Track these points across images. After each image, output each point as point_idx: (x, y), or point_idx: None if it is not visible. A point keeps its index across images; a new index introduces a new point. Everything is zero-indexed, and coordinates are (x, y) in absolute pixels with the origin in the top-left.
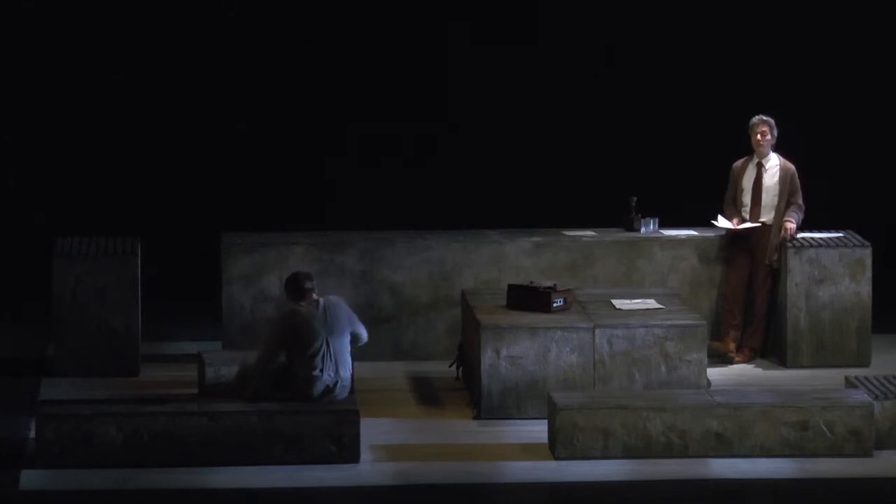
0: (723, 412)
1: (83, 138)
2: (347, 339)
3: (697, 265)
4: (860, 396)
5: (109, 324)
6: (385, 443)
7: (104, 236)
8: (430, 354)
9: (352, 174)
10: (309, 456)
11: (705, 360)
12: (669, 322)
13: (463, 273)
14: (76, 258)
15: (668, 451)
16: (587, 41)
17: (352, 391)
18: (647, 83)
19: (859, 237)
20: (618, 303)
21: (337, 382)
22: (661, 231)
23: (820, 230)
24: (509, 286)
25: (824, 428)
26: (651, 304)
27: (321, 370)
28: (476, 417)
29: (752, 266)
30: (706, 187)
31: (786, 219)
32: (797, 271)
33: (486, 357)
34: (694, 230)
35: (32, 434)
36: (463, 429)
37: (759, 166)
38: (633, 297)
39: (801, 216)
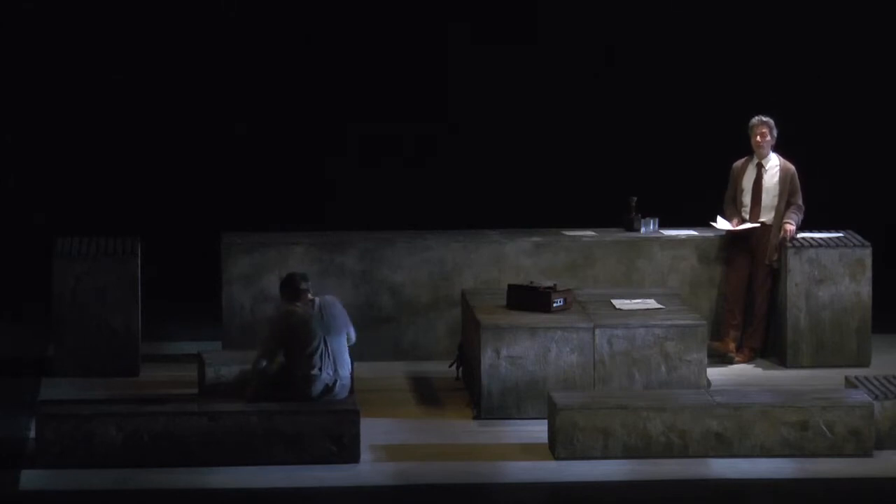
0: (723, 412)
1: (83, 138)
2: (345, 338)
3: (697, 265)
4: (860, 396)
5: (109, 324)
6: (385, 443)
7: (104, 236)
8: (430, 354)
9: (352, 174)
10: (309, 456)
11: (705, 360)
12: (669, 322)
13: (463, 273)
14: (76, 258)
15: (668, 451)
16: (587, 41)
17: (352, 391)
18: (647, 83)
19: (859, 237)
20: (618, 303)
21: (336, 381)
22: (661, 231)
23: (820, 230)
24: (509, 286)
25: (824, 428)
26: (651, 304)
27: (320, 369)
28: (476, 417)
29: (752, 266)
30: (706, 187)
31: (785, 220)
32: (797, 271)
33: (486, 357)
34: (694, 230)
35: (32, 434)
36: (463, 429)
37: (759, 167)
38: (633, 297)
39: (801, 217)
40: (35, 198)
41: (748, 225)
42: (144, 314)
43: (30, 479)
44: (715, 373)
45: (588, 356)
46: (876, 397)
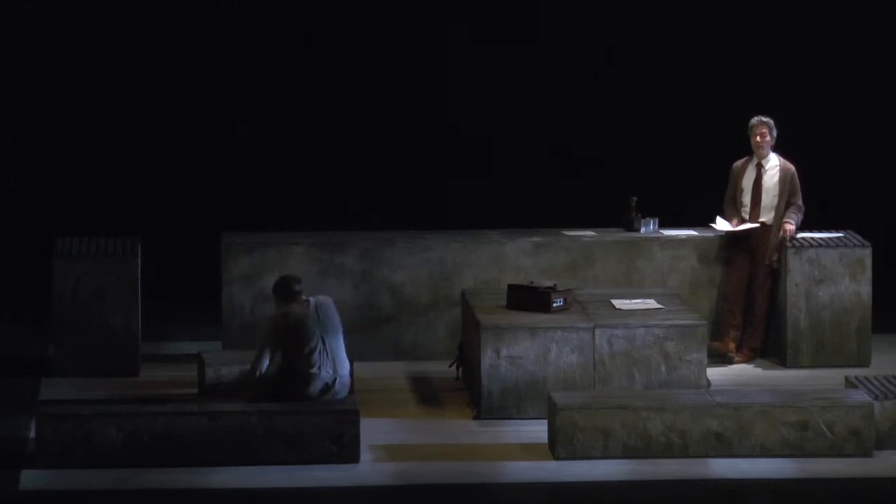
0: (723, 412)
1: (83, 138)
2: (341, 337)
3: (697, 265)
4: (860, 396)
5: (109, 324)
6: (385, 443)
7: (104, 236)
8: (430, 354)
9: (352, 174)
10: (309, 456)
11: (705, 360)
12: (669, 322)
13: (463, 273)
14: (76, 258)
15: (668, 451)
16: (587, 41)
17: (351, 391)
18: (647, 83)
19: (859, 237)
20: (618, 303)
21: (336, 379)
22: (661, 231)
23: (820, 230)
24: (509, 286)
25: (824, 428)
26: (651, 304)
27: (319, 367)
28: (476, 417)
29: (752, 266)
30: (706, 187)
31: (785, 220)
32: (797, 271)
33: (486, 357)
34: (694, 230)
35: (32, 434)
36: (463, 429)
37: (759, 167)
38: (633, 297)
39: (801, 217)
40: (35, 198)
41: (748, 225)
42: (144, 314)
43: (30, 479)
44: (715, 373)
45: (588, 356)
46: (876, 397)
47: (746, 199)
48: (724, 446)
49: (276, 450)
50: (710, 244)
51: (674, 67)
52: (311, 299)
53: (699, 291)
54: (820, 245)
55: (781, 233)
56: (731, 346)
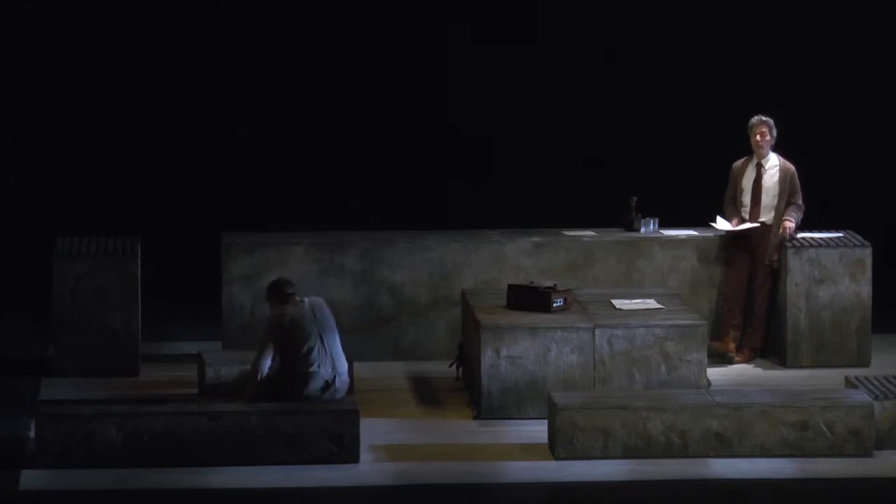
0: (723, 412)
1: (83, 138)
2: (338, 336)
3: (697, 265)
4: (860, 396)
5: (109, 324)
6: (385, 443)
7: (104, 236)
8: (430, 354)
9: (352, 174)
10: (309, 456)
11: (705, 360)
12: (669, 322)
13: (463, 273)
14: (76, 258)
15: (668, 451)
16: (587, 41)
17: (351, 389)
18: (647, 83)
19: (859, 237)
20: (618, 303)
21: (335, 377)
22: (661, 231)
23: (820, 230)
24: (509, 286)
25: (824, 428)
26: (651, 304)
27: (318, 365)
28: (476, 417)
29: (752, 266)
30: (706, 187)
31: (785, 217)
32: (797, 271)
33: (486, 357)
34: (694, 230)
35: (32, 434)
36: (463, 429)
37: (759, 166)
38: (633, 297)
39: (801, 216)
40: (35, 198)
41: (748, 225)
42: (144, 314)
43: (30, 479)
44: (715, 373)
45: (588, 356)
46: (876, 397)
47: (746, 198)
48: (724, 446)
49: (276, 450)
50: (710, 244)
51: (674, 67)
52: (306, 300)
53: (699, 291)
54: (820, 245)
55: (781, 230)
56: (731, 346)
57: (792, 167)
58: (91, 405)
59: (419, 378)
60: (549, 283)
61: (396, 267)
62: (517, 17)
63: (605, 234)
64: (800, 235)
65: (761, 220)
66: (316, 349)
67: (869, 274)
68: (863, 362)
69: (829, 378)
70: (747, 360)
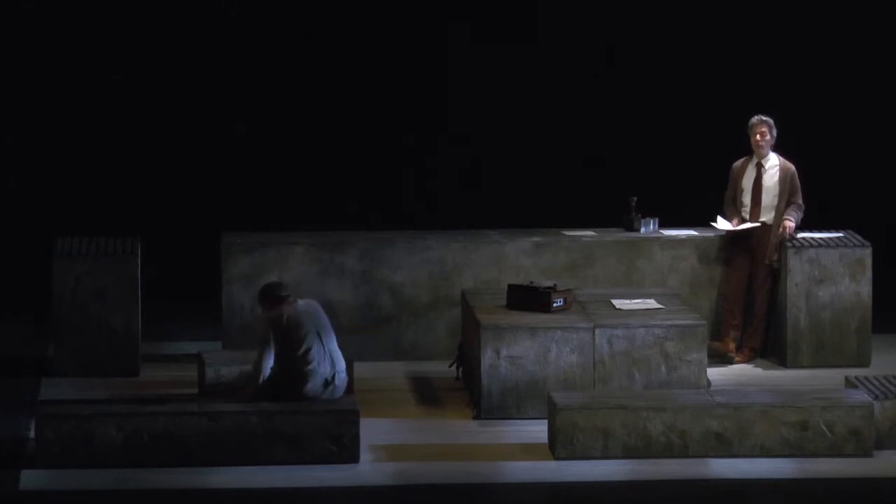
0: (723, 412)
1: (83, 138)
2: (334, 336)
3: (697, 265)
4: (860, 396)
5: (109, 324)
6: (385, 443)
7: (104, 236)
8: (430, 354)
9: (352, 174)
10: (309, 456)
11: (705, 360)
12: (669, 322)
13: (463, 273)
14: (76, 258)
15: (668, 451)
16: (587, 41)
17: (351, 389)
18: (647, 83)
19: (859, 237)
20: (618, 303)
21: (335, 374)
22: (661, 231)
23: (820, 230)
24: (509, 286)
25: (824, 428)
26: (651, 304)
27: (318, 363)
28: (476, 417)
29: (752, 266)
30: (706, 187)
31: (785, 217)
32: (797, 271)
33: (486, 357)
34: (694, 230)
35: (32, 434)
36: (463, 429)
37: (759, 166)
38: (633, 297)
39: (801, 215)
40: (35, 198)
41: (748, 225)
42: (144, 314)
43: (30, 479)
44: (715, 373)
45: (588, 356)
46: (876, 397)
47: (746, 198)
48: (724, 446)
49: (276, 450)
50: (710, 244)
51: (674, 67)
52: (300, 301)
53: (699, 291)
54: (820, 245)
55: (781, 230)
56: (731, 346)
57: (792, 167)
58: (91, 405)
59: (419, 378)
60: (549, 283)
61: (396, 267)
62: (517, 17)
63: (605, 234)
64: (800, 235)
65: (762, 219)
66: (315, 348)
67: (869, 274)
68: (863, 362)
69: (829, 378)
70: (747, 360)
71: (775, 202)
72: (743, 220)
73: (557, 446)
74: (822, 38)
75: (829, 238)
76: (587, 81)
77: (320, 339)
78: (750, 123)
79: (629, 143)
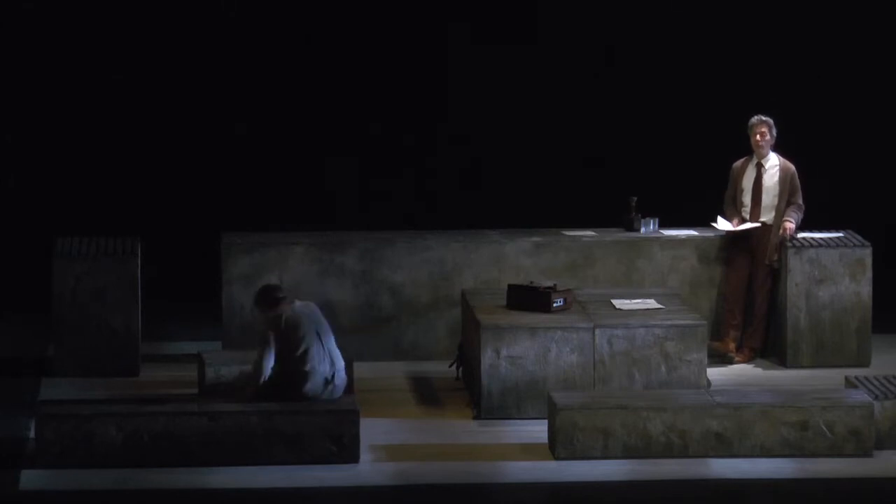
0: (723, 412)
1: (83, 138)
2: (332, 335)
3: (697, 265)
4: (860, 396)
5: (109, 324)
6: (385, 443)
7: (104, 236)
8: (430, 354)
9: (352, 174)
10: (309, 456)
11: (705, 360)
12: (669, 322)
13: (463, 273)
14: (76, 258)
15: (668, 451)
16: (587, 41)
17: (350, 388)
18: (647, 83)
19: (859, 237)
20: (618, 303)
21: (334, 374)
22: (661, 231)
23: (820, 230)
24: (509, 286)
25: (824, 428)
26: (651, 304)
27: (317, 363)
28: (476, 417)
29: (752, 266)
30: (706, 187)
31: (785, 218)
32: (797, 271)
33: (486, 357)
34: (694, 230)
35: (32, 434)
36: (463, 429)
37: (759, 166)
38: (633, 297)
39: (801, 216)
40: (35, 198)
41: (748, 225)
42: (144, 314)
43: (30, 479)
44: (715, 373)
45: (588, 356)
46: (876, 397)
47: (747, 198)
48: (724, 446)
49: (276, 450)
50: (710, 244)
51: (674, 67)
52: (298, 302)
53: (699, 291)
54: (820, 245)
55: (781, 231)
56: (731, 346)
57: (792, 167)
58: (91, 405)
59: (419, 378)
60: (549, 283)
61: (396, 267)
62: (517, 17)
63: (605, 234)
64: (800, 235)
65: (762, 220)
66: (314, 347)
67: (869, 274)
68: (863, 362)
69: (829, 378)
70: (747, 360)
71: (775, 202)
72: (743, 221)
73: (557, 446)
74: (822, 38)
75: (829, 238)
76: (587, 81)
77: (319, 338)
78: (750, 123)
79: (629, 143)
